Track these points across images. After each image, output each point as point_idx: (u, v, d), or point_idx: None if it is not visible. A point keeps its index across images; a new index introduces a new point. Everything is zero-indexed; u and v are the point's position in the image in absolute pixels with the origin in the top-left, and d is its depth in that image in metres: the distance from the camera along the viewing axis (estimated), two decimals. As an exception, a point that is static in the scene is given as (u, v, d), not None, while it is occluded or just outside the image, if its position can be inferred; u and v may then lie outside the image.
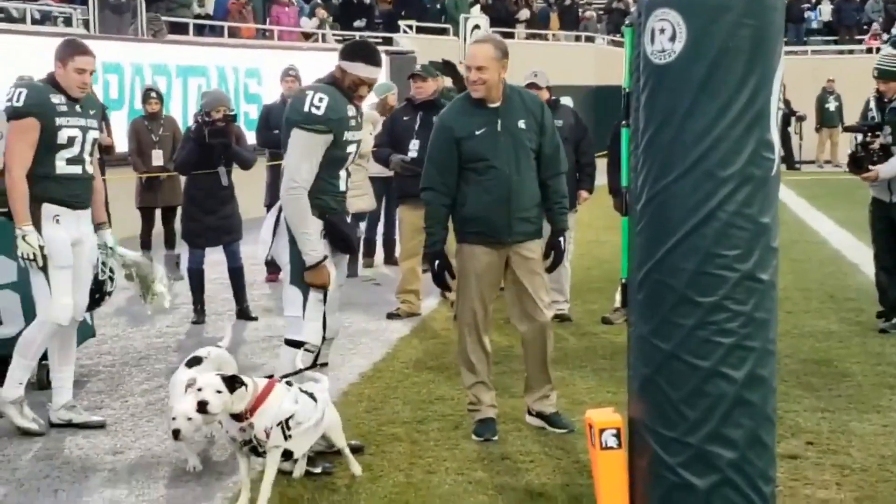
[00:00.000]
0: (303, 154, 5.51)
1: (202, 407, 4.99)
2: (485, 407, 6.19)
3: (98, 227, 6.69)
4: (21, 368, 6.39)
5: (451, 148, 5.99)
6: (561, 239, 6.22)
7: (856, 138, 8.75)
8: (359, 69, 5.65)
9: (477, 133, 5.95)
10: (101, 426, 6.50)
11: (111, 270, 6.82)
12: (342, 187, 5.74)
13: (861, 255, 12.00)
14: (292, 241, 5.59)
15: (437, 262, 6.10)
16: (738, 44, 4.17)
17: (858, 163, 8.56)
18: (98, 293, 6.77)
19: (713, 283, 4.28)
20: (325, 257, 5.58)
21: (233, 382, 5.06)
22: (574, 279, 9.66)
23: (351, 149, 5.72)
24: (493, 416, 6.19)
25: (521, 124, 6.01)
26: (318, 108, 5.47)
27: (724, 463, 4.30)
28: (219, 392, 5.00)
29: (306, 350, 5.62)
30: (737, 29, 4.17)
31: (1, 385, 6.49)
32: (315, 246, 5.54)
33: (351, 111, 5.67)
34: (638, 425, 4.52)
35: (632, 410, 4.60)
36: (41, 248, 6.16)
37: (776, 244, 4.40)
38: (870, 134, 8.61)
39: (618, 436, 4.58)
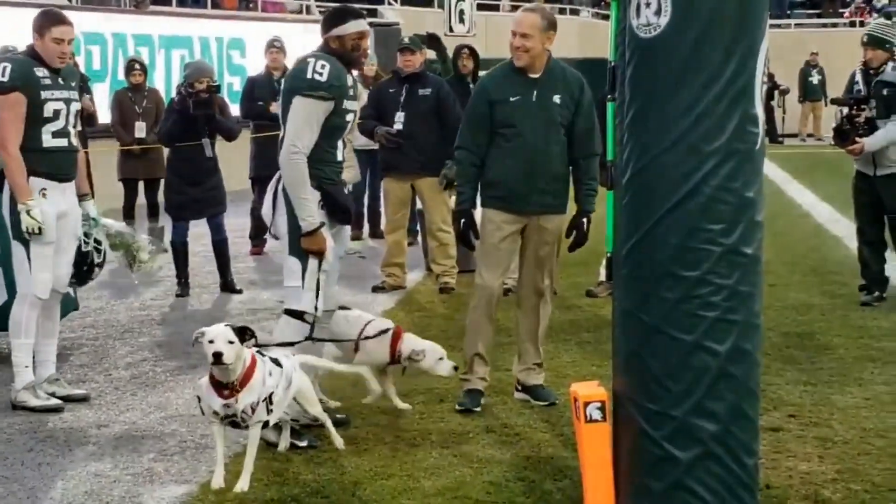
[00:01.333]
0: (305, 120, 5.53)
1: (217, 358, 4.95)
2: (475, 378, 6.23)
3: (81, 198, 6.66)
4: (21, 350, 6.38)
5: (486, 110, 6.10)
6: (585, 220, 6.20)
7: (841, 111, 8.77)
8: (352, 26, 5.70)
9: (511, 100, 6.06)
10: (84, 399, 6.50)
11: (97, 242, 6.79)
12: (339, 157, 5.76)
13: (843, 228, 12.06)
14: (290, 213, 5.59)
15: (462, 220, 6.18)
16: (723, 18, 4.16)
17: (844, 135, 8.58)
18: (86, 265, 6.75)
19: (697, 257, 4.28)
20: (322, 224, 5.59)
21: (243, 333, 5.06)
22: (559, 253, 9.66)
23: (349, 118, 5.76)
24: (481, 389, 6.23)
25: (556, 99, 6.08)
26: (320, 74, 5.50)
27: (707, 436, 4.31)
28: (231, 343, 4.98)
29: (304, 320, 5.63)
30: (721, 3, 4.16)
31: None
32: (312, 212, 5.54)
33: (349, 80, 5.72)
34: (622, 398, 4.53)
35: (616, 384, 4.61)
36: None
37: (760, 218, 4.40)
38: (856, 107, 8.63)
39: (602, 409, 4.59)
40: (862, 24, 26.89)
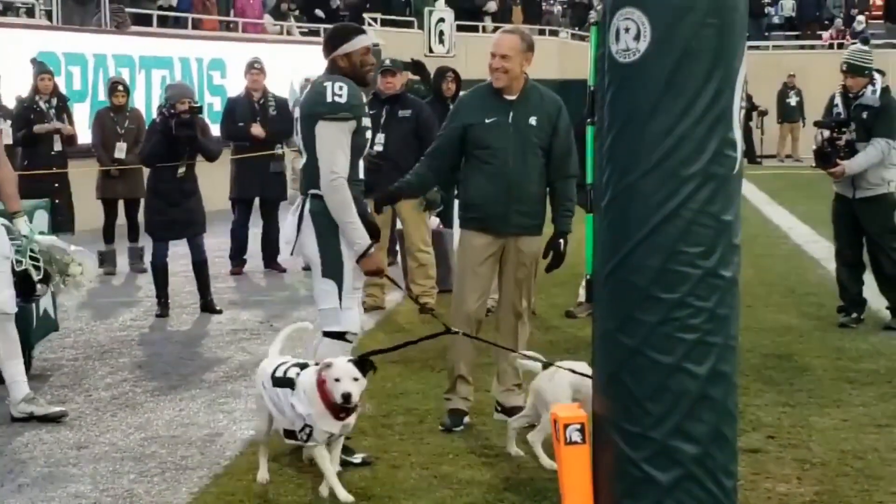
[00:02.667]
0: (336, 144, 5.50)
1: (346, 400, 4.94)
2: (458, 398, 6.25)
3: (12, 216, 6.66)
4: (8, 366, 6.43)
5: (458, 131, 6.16)
6: (562, 241, 6.26)
7: (821, 133, 8.83)
8: (358, 42, 5.69)
9: (487, 121, 6.08)
10: (62, 416, 6.48)
11: (34, 259, 6.72)
12: (361, 175, 5.73)
13: (822, 249, 12.13)
14: (320, 235, 5.56)
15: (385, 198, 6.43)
16: (701, 43, 4.22)
17: (826, 158, 8.64)
18: (26, 283, 6.70)
19: (677, 279, 4.33)
20: (374, 243, 5.58)
21: (364, 365, 5.09)
22: (538, 273, 9.68)
23: (368, 135, 5.77)
24: (465, 409, 6.26)
25: (532, 121, 6.12)
26: (340, 96, 5.48)
27: (686, 458, 4.34)
28: (356, 380, 5.01)
29: (346, 340, 5.65)
30: (700, 29, 4.21)
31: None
32: (363, 233, 5.53)
33: (364, 98, 5.75)
34: (602, 420, 4.56)
35: (596, 406, 4.64)
36: None
37: (738, 241, 4.45)
38: (836, 130, 8.70)
39: (582, 431, 4.62)
40: (841, 45, 27.07)
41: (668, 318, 4.34)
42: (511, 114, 6.10)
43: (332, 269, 5.57)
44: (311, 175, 5.60)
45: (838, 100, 8.82)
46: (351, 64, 5.67)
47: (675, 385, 4.35)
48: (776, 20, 33.40)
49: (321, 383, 5.07)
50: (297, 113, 5.75)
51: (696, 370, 4.35)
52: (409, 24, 24.51)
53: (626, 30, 4.28)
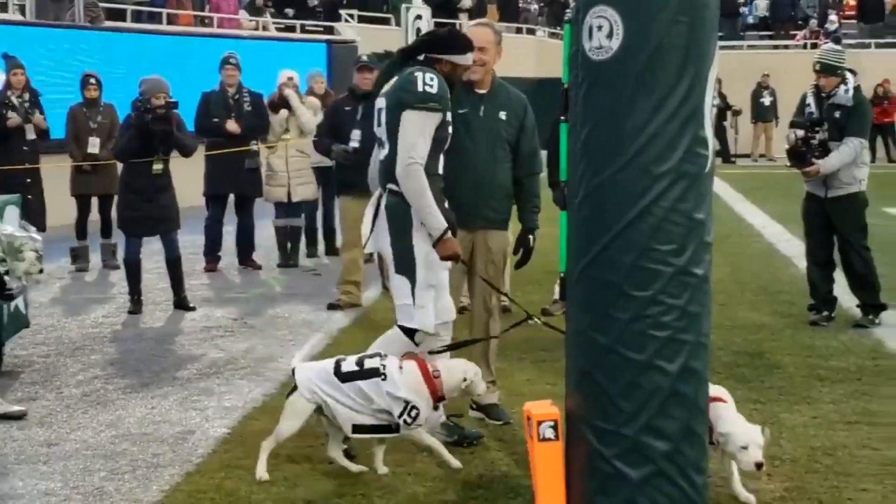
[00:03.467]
0: (419, 132, 5.44)
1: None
2: None
3: None
4: None
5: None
6: (530, 237, 6.29)
7: (795, 133, 8.85)
8: (469, 59, 5.75)
9: (459, 112, 5.97)
10: (21, 416, 6.44)
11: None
12: (441, 170, 5.65)
13: (794, 248, 12.19)
14: (394, 231, 5.52)
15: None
16: (673, 41, 4.24)
17: (800, 157, 8.69)
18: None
19: (649, 277, 4.35)
20: (450, 228, 5.49)
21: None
22: (513, 271, 9.70)
23: (450, 130, 5.66)
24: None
25: (502, 115, 6.13)
26: (431, 87, 5.43)
27: (657, 454, 4.36)
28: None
29: (414, 341, 5.59)
30: (672, 26, 4.23)
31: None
32: (440, 219, 5.44)
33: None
34: (575, 417, 4.58)
35: (569, 403, 4.65)
36: None
37: (710, 239, 4.47)
38: (811, 129, 8.74)
39: (555, 427, 4.64)
40: (815, 45, 27.21)
41: (640, 316, 4.36)
42: (482, 107, 6.11)
43: (405, 265, 5.52)
44: (389, 168, 5.52)
45: (811, 99, 8.86)
46: (452, 73, 5.66)
47: (646, 382, 4.37)
48: (750, 20, 33.53)
49: (428, 373, 5.34)
50: (379, 104, 5.65)
51: (668, 367, 4.37)
52: (385, 21, 24.50)
53: (599, 27, 4.29)
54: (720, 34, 4.48)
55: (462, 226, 6.06)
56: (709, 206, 4.46)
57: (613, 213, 4.37)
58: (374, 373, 5.30)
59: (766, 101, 28.22)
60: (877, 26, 31.76)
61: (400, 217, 5.50)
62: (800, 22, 32.69)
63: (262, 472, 5.36)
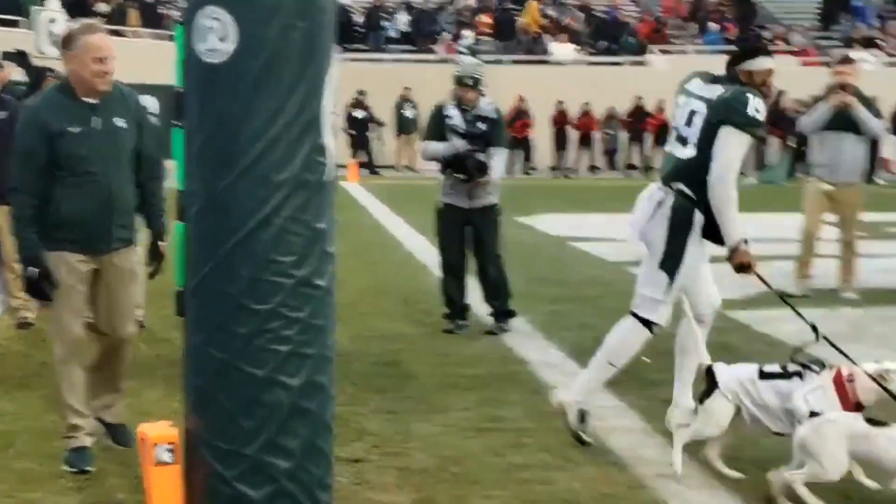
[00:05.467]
0: (737, 153, 5.81)
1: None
2: (82, 435, 5.65)
3: None
4: None
5: (40, 145, 5.44)
6: (162, 243, 5.88)
7: (454, 146, 8.95)
8: (764, 63, 6.07)
9: (72, 130, 5.44)
10: None
11: None
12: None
13: (433, 257, 12.43)
14: (673, 229, 5.86)
15: (36, 269, 5.49)
16: (289, 46, 4.12)
17: (467, 170, 8.80)
18: None
19: (269, 289, 4.22)
20: (745, 240, 5.78)
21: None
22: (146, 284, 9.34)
23: None
24: (89, 445, 5.68)
25: (121, 123, 5.59)
26: (759, 112, 5.80)
27: (279, 473, 4.24)
28: None
29: (651, 331, 5.96)
30: (288, 31, 4.11)
31: None
32: (739, 229, 5.78)
33: None
34: (194, 438, 4.38)
35: (188, 423, 4.44)
36: None
37: (332, 249, 4.39)
38: (471, 141, 8.89)
39: (172, 450, 4.41)
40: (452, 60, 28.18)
41: (260, 330, 4.22)
42: (98, 119, 5.54)
43: (671, 264, 5.88)
44: (689, 170, 5.87)
45: (453, 111, 8.95)
46: (752, 81, 5.98)
47: (268, 398, 4.24)
48: (392, 34, 34.27)
49: (842, 384, 5.27)
50: (692, 105, 5.95)
51: (290, 382, 4.26)
52: (14, 24, 23.25)
53: (212, 29, 4.11)
54: (364, 48, 4.40)
55: (90, 252, 5.60)
56: (331, 215, 4.39)
57: (232, 224, 4.22)
58: (798, 374, 5.46)
59: (409, 113, 28.97)
60: (510, 44, 33.39)
61: (684, 220, 5.87)
62: (437, 36, 33.80)
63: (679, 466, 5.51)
